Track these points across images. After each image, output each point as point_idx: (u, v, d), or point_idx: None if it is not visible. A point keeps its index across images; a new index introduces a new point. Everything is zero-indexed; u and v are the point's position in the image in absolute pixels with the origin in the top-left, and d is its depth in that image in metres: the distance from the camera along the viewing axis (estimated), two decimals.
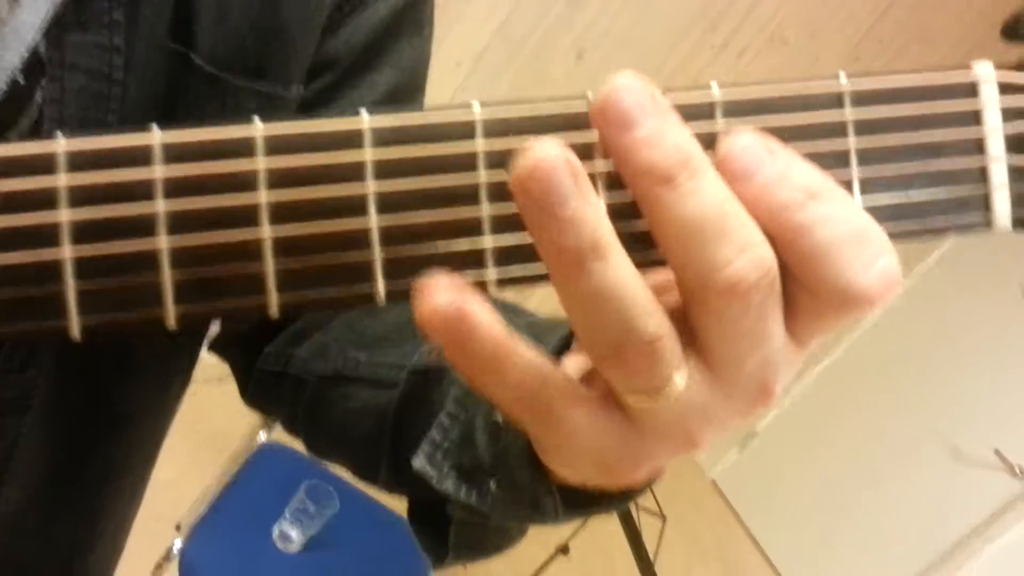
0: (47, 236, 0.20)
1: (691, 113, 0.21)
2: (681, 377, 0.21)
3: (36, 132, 0.31)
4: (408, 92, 0.46)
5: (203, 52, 0.36)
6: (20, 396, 0.35)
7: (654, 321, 0.20)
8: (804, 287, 0.21)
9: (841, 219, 0.20)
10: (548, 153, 0.19)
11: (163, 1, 0.34)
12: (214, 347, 0.50)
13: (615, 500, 0.29)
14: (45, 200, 0.20)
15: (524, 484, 0.29)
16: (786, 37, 1.89)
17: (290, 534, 1.34)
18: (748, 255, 0.20)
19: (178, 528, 1.45)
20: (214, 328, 0.49)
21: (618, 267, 0.20)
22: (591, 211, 0.19)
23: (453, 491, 0.32)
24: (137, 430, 0.45)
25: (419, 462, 0.33)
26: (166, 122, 0.38)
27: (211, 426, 1.58)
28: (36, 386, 0.35)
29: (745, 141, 0.21)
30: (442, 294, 0.20)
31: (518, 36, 1.60)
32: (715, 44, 1.82)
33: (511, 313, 0.33)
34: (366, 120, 0.21)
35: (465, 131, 0.21)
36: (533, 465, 0.28)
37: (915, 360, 2.31)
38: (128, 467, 0.46)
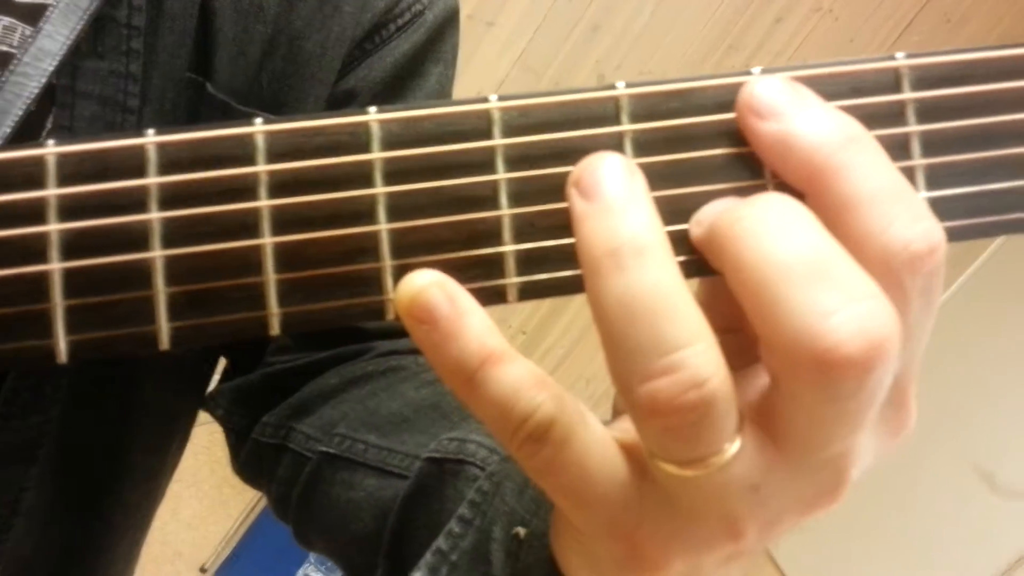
0: (33, 249, 0.18)
1: (725, 100, 0.19)
2: (732, 446, 0.17)
3: None
4: None
5: (219, 83, 0.35)
6: (25, 445, 0.32)
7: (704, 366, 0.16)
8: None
9: (884, 168, 0.18)
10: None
11: (184, 31, 0.33)
12: (208, 405, 0.45)
13: None
14: (32, 211, 0.19)
15: None
16: (807, 57, 1.88)
17: None
18: (867, 305, 0.16)
19: (203, 571, 1.44)
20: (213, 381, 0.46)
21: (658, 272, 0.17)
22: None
23: None
24: (136, 490, 0.43)
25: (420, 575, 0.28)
26: None
27: None
28: (44, 434, 0.33)
29: (770, 81, 0.19)
30: (429, 275, 0.18)
31: (539, 64, 1.60)
32: (735, 65, 1.81)
33: None
34: (373, 116, 0.19)
35: (482, 127, 0.19)
36: None
37: (948, 385, 2.23)
38: (125, 529, 0.44)
